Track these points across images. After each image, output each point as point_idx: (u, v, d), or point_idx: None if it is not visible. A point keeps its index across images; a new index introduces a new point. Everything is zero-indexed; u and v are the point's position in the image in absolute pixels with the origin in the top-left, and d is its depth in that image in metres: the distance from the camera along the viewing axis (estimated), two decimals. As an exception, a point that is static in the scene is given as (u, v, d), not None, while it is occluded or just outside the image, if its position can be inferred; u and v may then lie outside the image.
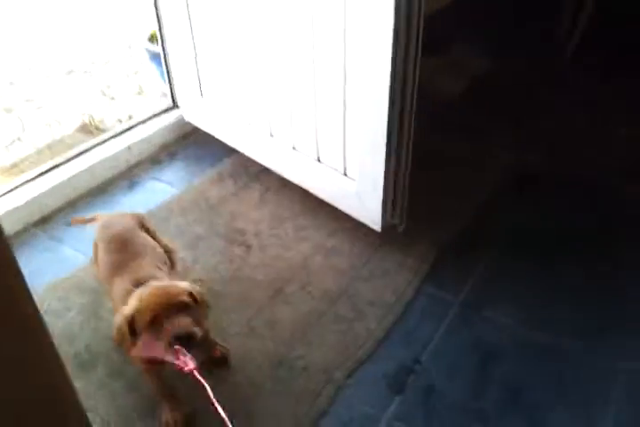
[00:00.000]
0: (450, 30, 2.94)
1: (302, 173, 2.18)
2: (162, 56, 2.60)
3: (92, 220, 1.87)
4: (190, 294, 1.39)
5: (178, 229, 2.16)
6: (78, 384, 1.64)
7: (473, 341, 1.74)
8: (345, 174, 2.03)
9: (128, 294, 1.44)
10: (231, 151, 2.47)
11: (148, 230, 1.76)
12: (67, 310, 1.89)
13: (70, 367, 1.69)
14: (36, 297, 1.69)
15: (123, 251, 1.63)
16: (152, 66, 3.34)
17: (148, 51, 3.23)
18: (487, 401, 1.58)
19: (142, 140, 2.55)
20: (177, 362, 1.30)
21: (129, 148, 2.50)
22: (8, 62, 3.70)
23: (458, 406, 1.56)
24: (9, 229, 2.18)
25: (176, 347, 1.31)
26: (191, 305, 1.37)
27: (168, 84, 2.67)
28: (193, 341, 1.33)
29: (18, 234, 2.20)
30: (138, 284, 1.47)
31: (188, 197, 2.32)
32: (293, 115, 2.10)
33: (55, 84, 3.45)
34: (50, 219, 2.27)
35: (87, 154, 2.44)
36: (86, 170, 2.39)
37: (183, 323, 1.33)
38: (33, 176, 2.33)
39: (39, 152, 2.87)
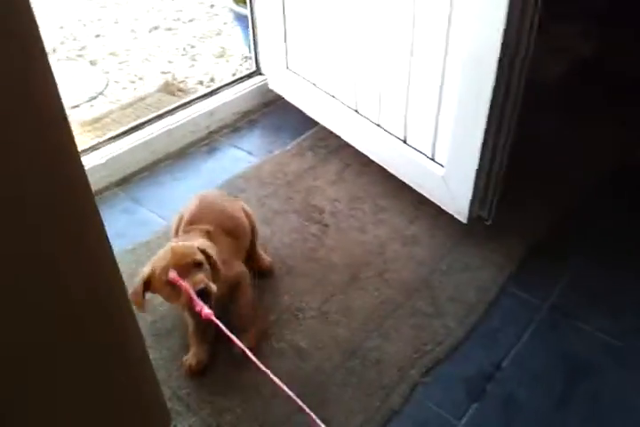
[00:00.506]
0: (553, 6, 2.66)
1: (386, 153, 2.03)
2: (249, 19, 2.44)
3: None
4: (203, 252, 1.46)
5: (255, 201, 2.06)
6: (152, 354, 1.62)
7: (561, 350, 1.58)
8: (432, 158, 1.87)
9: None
10: (313, 123, 2.33)
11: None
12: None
13: (147, 336, 1.67)
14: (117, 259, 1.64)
15: (198, 213, 1.64)
16: (236, 28, 3.19)
17: (234, 12, 3.07)
18: (571, 419, 1.44)
19: (224, 106, 2.44)
20: (197, 309, 1.37)
21: (210, 113, 2.39)
22: (95, 14, 3.62)
23: (539, 420, 1.43)
24: (94, 185, 2.13)
25: (195, 299, 1.37)
26: (203, 262, 1.44)
27: (253, 49, 2.52)
28: (209, 294, 1.40)
29: (99, 192, 2.15)
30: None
31: (267, 169, 2.21)
32: (383, 90, 1.94)
33: (139, 39, 3.36)
34: (130, 180, 2.21)
35: (169, 117, 2.34)
36: (166, 133, 2.30)
37: (199, 279, 1.40)
38: (115, 135, 2.26)
39: (122, 109, 2.81)
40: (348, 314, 1.69)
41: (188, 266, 1.41)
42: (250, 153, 2.31)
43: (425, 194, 1.94)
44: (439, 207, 1.93)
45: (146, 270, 1.45)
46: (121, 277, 0.99)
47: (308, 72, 2.25)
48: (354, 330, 1.64)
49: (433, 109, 1.77)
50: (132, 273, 1.82)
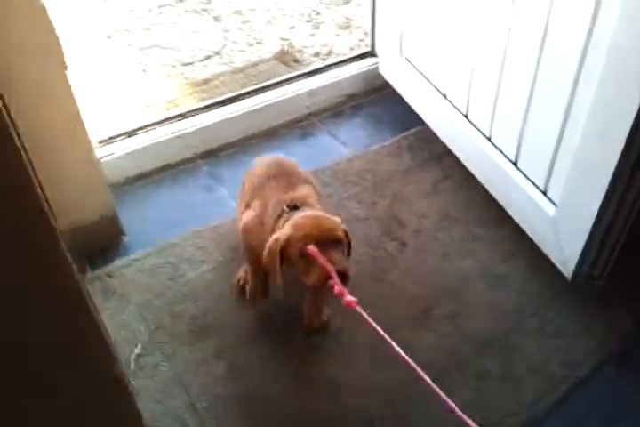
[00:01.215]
0: None
1: (491, 172, 1.67)
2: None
3: None
4: (344, 231, 1.28)
5: (335, 200, 1.79)
6: (184, 350, 1.45)
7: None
8: (544, 193, 1.49)
9: (279, 214, 1.33)
10: (419, 121, 1.98)
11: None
12: (201, 263, 1.66)
13: (184, 330, 1.50)
14: (178, 239, 1.68)
15: (281, 174, 1.45)
16: (366, -1, 2.84)
17: (367, -19, 2.70)
18: None
19: (329, 86, 2.15)
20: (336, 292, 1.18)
21: (313, 93, 2.11)
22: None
23: None
24: (176, 155, 1.96)
25: (337, 281, 1.18)
26: (343, 241, 1.26)
27: (370, 26, 2.17)
28: (346, 277, 1.21)
29: (184, 162, 1.97)
30: (293, 206, 1.33)
31: (357, 165, 1.91)
32: (499, 98, 1.56)
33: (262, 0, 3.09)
34: (216, 154, 2.01)
35: (268, 91, 2.09)
36: (263, 108, 2.06)
37: (340, 258, 1.22)
38: (209, 104, 2.05)
39: (233, 73, 2.59)
40: (408, 355, 1.40)
41: (328, 241, 1.23)
42: (344, 144, 2.02)
43: (528, 232, 1.57)
44: (542, 251, 1.55)
45: (282, 237, 1.25)
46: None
47: (421, 62, 1.89)
48: (403, 379, 1.36)
49: (554, 131, 1.39)
50: (190, 258, 1.66)
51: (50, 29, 1.37)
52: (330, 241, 1.23)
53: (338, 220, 1.30)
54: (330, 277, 1.18)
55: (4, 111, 0.58)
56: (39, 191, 0.65)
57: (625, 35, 1.12)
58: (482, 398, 1.31)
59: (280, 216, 1.33)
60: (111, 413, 0.87)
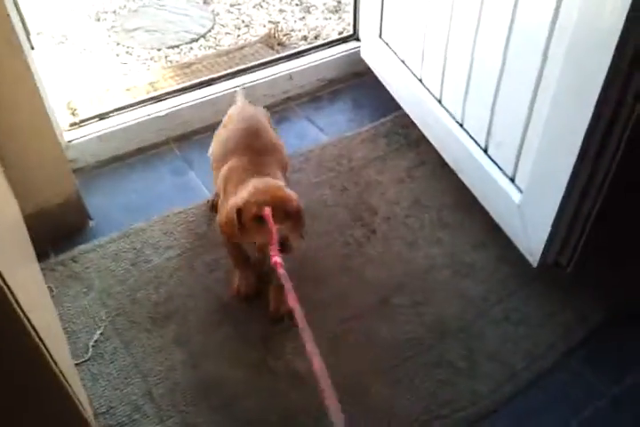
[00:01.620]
0: None
1: (462, 158, 1.61)
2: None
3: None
4: (296, 205, 1.30)
5: (306, 185, 1.75)
6: (143, 337, 1.43)
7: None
8: (512, 179, 1.43)
9: (242, 180, 1.34)
10: (398, 107, 1.93)
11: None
12: (166, 249, 1.62)
13: (144, 316, 1.47)
14: (145, 224, 1.64)
15: (253, 136, 1.47)
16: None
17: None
18: None
19: (308, 69, 2.09)
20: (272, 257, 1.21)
21: (291, 76, 2.05)
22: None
23: None
24: (149, 138, 1.92)
25: (275, 246, 1.22)
26: (293, 213, 1.29)
27: (353, 8, 2.11)
28: (286, 248, 1.24)
29: (156, 145, 1.94)
30: (255, 173, 1.36)
31: (332, 150, 1.86)
32: (470, 85, 1.50)
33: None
34: (189, 137, 1.97)
35: (246, 75, 2.04)
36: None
37: (285, 230, 1.24)
38: (182, 87, 2.01)
39: (217, 56, 2.54)
40: (363, 345, 1.36)
41: (280, 212, 1.25)
42: (321, 130, 1.96)
43: (496, 219, 1.51)
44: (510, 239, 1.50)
45: (240, 200, 1.29)
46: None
47: (399, 46, 1.83)
48: (363, 366, 1.32)
49: (522, 117, 1.33)
50: (156, 244, 1.63)
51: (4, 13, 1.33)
52: (282, 209, 1.26)
53: (293, 193, 1.31)
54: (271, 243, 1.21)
55: None
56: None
57: (587, 15, 1.06)
58: (437, 389, 1.27)
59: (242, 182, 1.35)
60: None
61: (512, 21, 1.28)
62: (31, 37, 1.67)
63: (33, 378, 0.86)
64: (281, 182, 1.35)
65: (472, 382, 1.28)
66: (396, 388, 1.28)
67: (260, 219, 1.25)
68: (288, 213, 1.27)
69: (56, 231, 1.62)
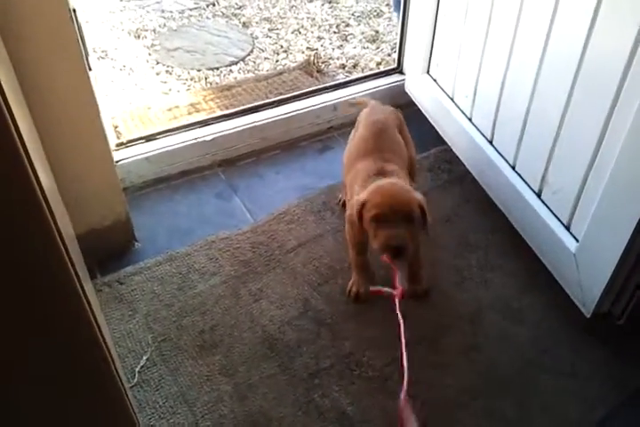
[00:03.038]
0: None
1: (513, 202, 1.60)
2: (401, 5, 2.05)
3: (360, 103, 1.79)
4: (419, 206, 1.32)
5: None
6: (189, 365, 1.41)
7: None
8: (567, 227, 1.43)
9: (367, 180, 1.40)
10: (441, 141, 1.94)
11: (402, 132, 1.63)
12: (212, 275, 1.61)
13: (191, 344, 1.46)
14: (190, 248, 1.68)
15: (379, 139, 1.52)
16: (394, 13, 2.80)
17: (396, -4, 2.67)
18: None
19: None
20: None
21: (335, 107, 2.07)
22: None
23: None
24: (194, 162, 1.92)
25: (386, 254, 1.30)
26: (416, 217, 1.30)
27: (398, 42, 2.13)
28: (403, 254, 1.29)
29: (201, 169, 1.94)
30: (380, 173, 1.41)
31: (376, 183, 1.86)
32: (526, 128, 1.51)
33: (297, 8, 3.06)
34: (234, 163, 1.97)
35: (291, 103, 2.05)
36: (285, 120, 2.02)
37: (401, 234, 1.27)
38: (229, 113, 2.02)
39: (257, 80, 2.55)
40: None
41: (399, 215, 1.28)
42: (364, 160, 1.97)
43: (547, 266, 1.50)
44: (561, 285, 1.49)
45: (361, 198, 1.33)
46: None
47: (449, 83, 1.85)
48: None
49: (583, 163, 1.33)
50: (201, 270, 1.62)
51: (74, 32, 1.34)
52: (400, 214, 1.27)
53: (416, 195, 1.33)
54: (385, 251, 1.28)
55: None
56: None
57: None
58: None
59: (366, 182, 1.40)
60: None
61: (580, 61, 1.28)
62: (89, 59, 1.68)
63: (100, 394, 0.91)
64: (403, 183, 1.37)
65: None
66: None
67: (377, 220, 1.28)
68: (408, 216, 1.28)
69: (102, 252, 1.61)
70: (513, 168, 1.59)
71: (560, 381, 1.36)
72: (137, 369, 1.39)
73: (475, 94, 1.72)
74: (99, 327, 0.88)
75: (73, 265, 0.79)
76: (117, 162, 1.81)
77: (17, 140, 0.63)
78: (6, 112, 0.62)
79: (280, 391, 1.34)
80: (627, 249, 1.24)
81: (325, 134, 2.07)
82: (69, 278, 0.78)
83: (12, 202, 0.66)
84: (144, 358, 1.42)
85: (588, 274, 1.35)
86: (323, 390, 1.34)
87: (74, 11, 1.39)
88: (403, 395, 1.11)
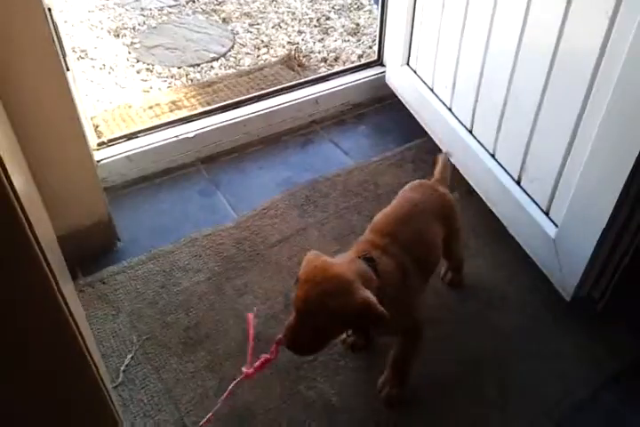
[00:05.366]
0: None
1: (493, 190, 1.62)
2: (379, 1, 2.06)
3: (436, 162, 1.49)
4: (359, 307, 1.01)
5: (333, 211, 1.76)
6: (174, 362, 1.42)
7: None
8: (547, 213, 1.45)
9: (347, 257, 1.14)
10: (423, 133, 1.95)
11: (447, 222, 1.33)
12: (196, 272, 1.62)
13: (175, 341, 1.47)
14: (173, 246, 1.67)
15: (397, 220, 1.25)
16: (374, 6, 2.81)
17: (375, -12, 2.68)
18: None
19: (333, 94, 2.11)
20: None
21: (317, 101, 2.08)
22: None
23: None
24: (177, 159, 1.93)
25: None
26: (336, 317, 1.02)
27: (378, 34, 2.14)
28: (298, 352, 1.10)
29: (184, 166, 1.95)
30: (360, 255, 1.13)
31: (358, 175, 1.88)
32: (505, 117, 1.52)
33: (277, 2, 3.06)
34: (216, 159, 1.98)
35: (272, 98, 2.06)
36: (266, 114, 2.02)
37: (299, 332, 1.05)
38: (210, 109, 2.02)
39: (238, 75, 2.56)
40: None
41: (310, 307, 1.03)
42: (346, 153, 1.98)
43: (528, 252, 1.52)
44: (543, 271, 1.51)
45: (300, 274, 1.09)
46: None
47: (428, 73, 1.86)
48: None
49: (560, 150, 1.34)
50: (185, 267, 1.63)
51: (49, 32, 1.34)
52: (311, 307, 1.02)
53: (359, 293, 1.01)
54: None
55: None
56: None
57: None
58: (471, 421, 1.28)
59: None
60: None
61: (555, 51, 1.29)
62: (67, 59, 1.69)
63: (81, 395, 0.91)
64: (350, 272, 1.06)
65: (506, 416, 1.29)
66: (431, 421, 1.28)
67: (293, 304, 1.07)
68: (319, 314, 1.02)
69: (84, 252, 1.62)
70: (492, 156, 1.60)
71: (541, 363, 1.38)
72: (122, 368, 1.40)
73: (454, 85, 1.73)
74: (79, 330, 0.88)
75: (51, 270, 0.79)
76: (99, 162, 1.81)
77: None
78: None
79: (266, 385, 1.36)
80: (604, 234, 1.26)
81: (308, 128, 2.08)
82: (47, 284, 0.78)
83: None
84: (128, 356, 1.43)
85: (567, 258, 1.37)
86: (308, 382, 1.35)
87: (49, 10, 1.39)
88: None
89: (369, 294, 1.01)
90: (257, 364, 1.10)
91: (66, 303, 0.84)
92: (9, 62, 1.30)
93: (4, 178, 0.67)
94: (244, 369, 1.11)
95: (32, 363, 0.84)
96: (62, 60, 1.44)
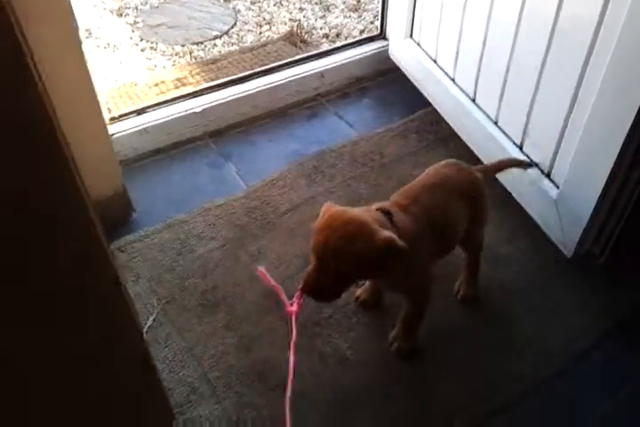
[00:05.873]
0: None
1: (496, 156, 1.67)
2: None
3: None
4: (381, 247, 1.03)
5: (340, 180, 1.82)
6: (194, 323, 1.49)
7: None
8: (548, 175, 1.52)
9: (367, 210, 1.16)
10: (426, 104, 2.00)
11: (473, 203, 1.32)
12: (210, 239, 1.69)
13: (194, 304, 1.54)
14: (187, 216, 1.71)
15: (422, 189, 1.27)
16: (376, -19, 2.83)
17: (377, -37, 2.70)
18: None
19: (338, 68, 2.16)
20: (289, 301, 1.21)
21: (322, 74, 2.12)
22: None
23: None
24: (186, 133, 1.98)
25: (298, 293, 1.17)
26: (358, 259, 1.05)
27: (381, 7, 2.18)
28: (323, 299, 1.18)
29: (193, 140, 2.00)
30: (378, 208, 1.17)
31: (364, 146, 1.94)
32: (507, 84, 1.58)
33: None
34: (225, 133, 2.03)
35: (280, 72, 2.11)
36: (272, 89, 2.07)
37: (320, 279, 1.10)
38: (217, 84, 2.07)
39: (241, 52, 2.60)
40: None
41: (328, 254, 1.07)
42: (351, 125, 2.04)
43: (531, 214, 1.59)
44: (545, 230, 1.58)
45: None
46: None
47: (431, 45, 1.91)
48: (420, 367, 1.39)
49: (561, 114, 1.41)
50: (199, 235, 1.69)
51: (68, 5, 1.39)
52: (330, 252, 1.06)
53: (380, 233, 1.05)
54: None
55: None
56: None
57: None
58: (478, 370, 1.37)
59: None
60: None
61: (556, 17, 1.35)
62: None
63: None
64: (370, 218, 1.10)
65: (514, 364, 1.37)
66: (448, 375, 1.36)
67: (311, 252, 1.12)
68: (342, 257, 1.06)
69: (102, 223, 1.66)
70: (495, 124, 1.66)
71: (543, 317, 1.46)
72: (144, 329, 1.47)
73: (457, 55, 1.78)
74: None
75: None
76: (112, 135, 1.86)
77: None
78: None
79: (284, 341, 1.42)
80: (604, 193, 1.33)
81: (313, 102, 2.13)
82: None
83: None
84: (150, 318, 1.50)
85: (568, 218, 1.44)
86: (324, 338, 1.43)
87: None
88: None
89: (388, 233, 1.04)
90: (295, 299, 1.18)
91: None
92: (26, 33, 1.34)
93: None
94: (290, 309, 1.18)
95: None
96: (77, 33, 1.48)
